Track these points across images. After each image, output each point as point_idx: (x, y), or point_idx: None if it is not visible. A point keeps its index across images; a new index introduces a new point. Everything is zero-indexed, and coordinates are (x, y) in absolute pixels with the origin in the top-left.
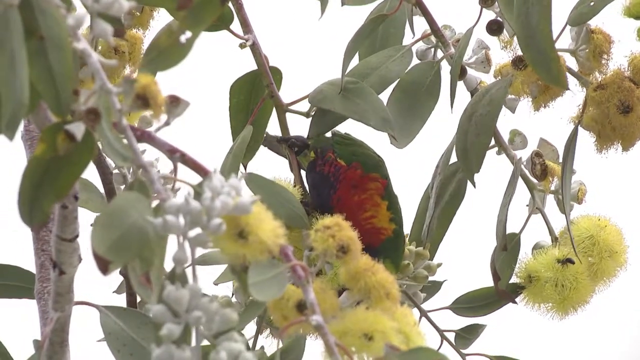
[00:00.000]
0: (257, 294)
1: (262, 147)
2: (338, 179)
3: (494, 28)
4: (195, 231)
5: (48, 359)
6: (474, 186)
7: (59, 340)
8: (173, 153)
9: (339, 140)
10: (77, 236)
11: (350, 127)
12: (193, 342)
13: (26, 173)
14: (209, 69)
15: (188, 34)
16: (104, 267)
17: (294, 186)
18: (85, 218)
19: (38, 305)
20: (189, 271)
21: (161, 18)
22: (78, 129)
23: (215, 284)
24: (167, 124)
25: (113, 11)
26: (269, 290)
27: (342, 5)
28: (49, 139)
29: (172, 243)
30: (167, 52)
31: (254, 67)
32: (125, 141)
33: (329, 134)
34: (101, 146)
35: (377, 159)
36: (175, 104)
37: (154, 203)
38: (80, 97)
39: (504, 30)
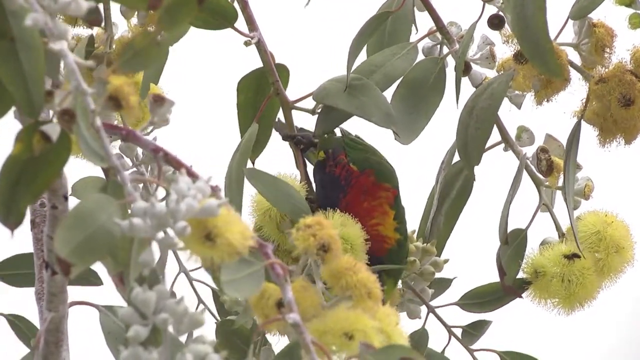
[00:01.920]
0: (231, 292)
1: (269, 143)
2: (349, 183)
3: (496, 22)
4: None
5: (43, 359)
6: (474, 179)
7: (54, 340)
8: (156, 152)
9: (351, 144)
10: None
11: (355, 126)
12: None
13: (3, 172)
14: (215, 66)
15: (164, 34)
16: (66, 269)
17: (300, 182)
18: None
19: (37, 306)
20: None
21: None
22: (53, 129)
23: None
24: (152, 123)
25: (70, 11)
26: (244, 288)
27: None
28: (25, 138)
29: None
30: (143, 52)
31: (261, 64)
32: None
33: (338, 134)
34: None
35: (390, 169)
36: (159, 104)
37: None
38: (56, 98)
39: (506, 25)
